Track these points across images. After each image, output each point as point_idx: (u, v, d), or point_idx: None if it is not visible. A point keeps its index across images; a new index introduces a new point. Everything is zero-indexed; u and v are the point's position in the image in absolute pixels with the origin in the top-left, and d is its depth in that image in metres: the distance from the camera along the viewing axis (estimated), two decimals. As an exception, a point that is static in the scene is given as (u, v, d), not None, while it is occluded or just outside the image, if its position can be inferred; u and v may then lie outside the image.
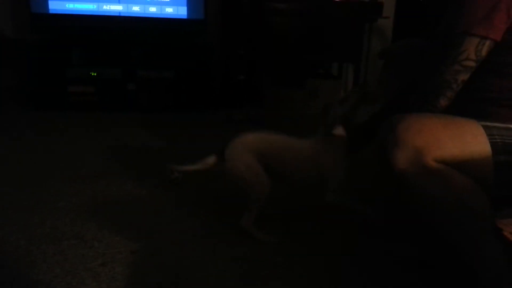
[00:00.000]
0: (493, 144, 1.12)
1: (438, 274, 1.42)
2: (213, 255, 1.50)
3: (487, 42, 1.21)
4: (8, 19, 3.67)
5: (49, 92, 3.44)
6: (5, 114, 3.31)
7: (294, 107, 3.82)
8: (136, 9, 3.51)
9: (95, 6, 3.45)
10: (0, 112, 3.34)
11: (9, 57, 3.61)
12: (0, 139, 2.68)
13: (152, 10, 3.54)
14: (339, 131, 1.57)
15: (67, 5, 3.42)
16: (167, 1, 3.55)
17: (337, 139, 1.60)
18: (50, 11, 3.39)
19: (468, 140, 1.13)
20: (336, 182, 1.63)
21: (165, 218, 1.77)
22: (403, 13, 4.05)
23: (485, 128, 1.14)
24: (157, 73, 3.57)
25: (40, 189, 1.96)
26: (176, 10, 3.58)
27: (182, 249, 1.53)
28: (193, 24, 3.68)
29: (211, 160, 1.63)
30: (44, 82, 3.44)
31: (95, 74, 3.44)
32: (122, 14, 3.49)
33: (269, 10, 3.77)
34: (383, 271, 1.46)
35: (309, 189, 1.81)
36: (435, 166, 1.09)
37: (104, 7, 3.47)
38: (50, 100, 3.44)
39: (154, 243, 1.57)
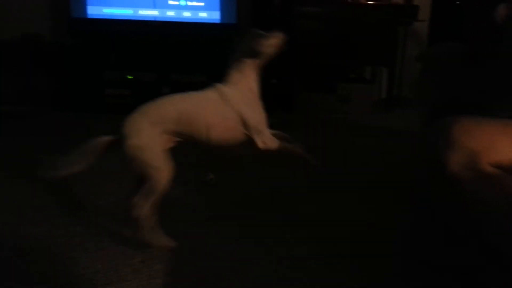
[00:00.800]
0: None
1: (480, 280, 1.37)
2: (250, 255, 1.49)
3: None
4: (47, 23, 3.80)
5: (86, 95, 3.53)
6: (43, 116, 3.42)
7: (325, 111, 3.79)
8: (171, 14, 3.58)
9: (131, 11, 3.54)
10: (38, 114, 3.45)
11: (47, 60, 3.72)
12: (38, 140, 2.77)
13: (186, 15, 3.60)
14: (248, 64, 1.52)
15: (104, 10, 3.52)
16: (201, 6, 3.60)
17: (246, 76, 1.53)
18: (89, 16, 3.50)
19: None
20: (259, 124, 1.51)
21: (201, 217, 1.78)
22: (439, 16, 3.97)
23: None
24: (190, 77, 3.61)
25: (80, 188, 2.00)
26: (209, 14, 3.62)
27: (218, 249, 1.53)
28: (226, 29, 3.70)
29: (102, 141, 1.42)
30: (82, 85, 3.54)
31: (131, 77, 3.51)
32: (157, 19, 3.56)
33: (301, 14, 3.77)
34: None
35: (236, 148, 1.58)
36: (490, 170, 1.05)
37: (140, 12, 3.55)
38: (87, 102, 3.53)
39: (190, 242, 1.57)
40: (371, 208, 1.93)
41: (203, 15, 3.63)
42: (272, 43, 1.56)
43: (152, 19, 3.56)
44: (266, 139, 1.51)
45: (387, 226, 1.76)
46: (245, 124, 1.49)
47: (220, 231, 1.67)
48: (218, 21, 3.65)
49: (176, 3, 3.57)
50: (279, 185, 2.19)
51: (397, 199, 2.05)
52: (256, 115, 1.52)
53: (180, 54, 3.61)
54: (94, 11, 3.50)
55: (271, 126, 3.34)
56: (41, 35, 3.70)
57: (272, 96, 3.88)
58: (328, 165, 2.50)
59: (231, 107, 1.48)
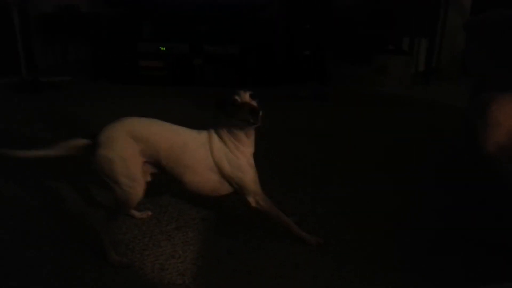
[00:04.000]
0: None
1: None
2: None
3: None
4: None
5: (122, 66, 3.59)
6: (78, 86, 3.50)
7: (361, 84, 3.70)
8: (204, -16, 3.53)
9: (165, -19, 3.52)
10: (74, 84, 3.53)
11: (84, 31, 3.78)
12: (74, 109, 2.84)
13: (220, -16, 3.54)
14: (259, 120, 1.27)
15: (139, -19, 3.51)
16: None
17: (250, 132, 1.33)
18: (124, -14, 3.50)
19: None
20: (253, 183, 1.36)
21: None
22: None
23: None
24: (223, 48, 3.59)
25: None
26: (243, -16, 3.56)
27: (251, 219, 1.55)
28: (260, -2, 3.64)
29: (77, 143, 1.29)
30: (117, 56, 3.59)
31: (164, 48, 3.53)
32: (191, -11, 3.53)
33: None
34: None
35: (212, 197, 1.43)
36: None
37: (174, -18, 3.52)
38: (122, 73, 3.59)
39: (223, 212, 1.60)
40: (402, 183, 1.89)
41: (237, -15, 3.56)
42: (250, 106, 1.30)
43: (186, -11, 3.54)
44: (260, 199, 1.38)
45: (422, 201, 1.73)
46: (230, 182, 1.36)
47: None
48: (251, -9, 3.58)
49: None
50: (308, 160, 2.18)
51: (432, 175, 2.00)
52: (243, 174, 1.35)
53: (213, 25, 3.58)
54: (129, -19, 3.50)
55: (303, 97, 3.31)
56: (77, 6, 3.75)
57: (305, 68, 3.83)
58: (359, 139, 2.47)
59: (213, 155, 1.34)
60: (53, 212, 1.58)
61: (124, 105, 2.98)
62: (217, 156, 1.33)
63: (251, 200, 1.38)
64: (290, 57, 3.85)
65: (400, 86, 3.62)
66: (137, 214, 1.54)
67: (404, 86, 3.64)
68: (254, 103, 1.30)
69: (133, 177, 1.27)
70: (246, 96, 1.31)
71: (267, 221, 1.47)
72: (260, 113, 1.27)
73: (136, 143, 1.28)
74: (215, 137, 1.35)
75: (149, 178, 1.36)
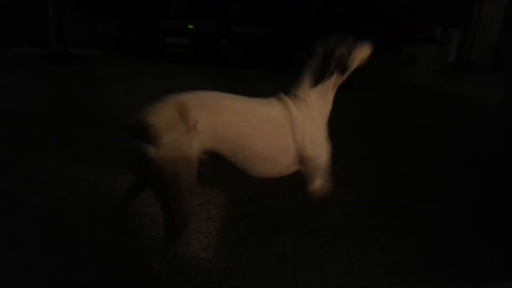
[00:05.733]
0: None
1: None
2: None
3: None
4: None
5: (149, 42, 3.60)
6: (106, 60, 3.53)
7: (389, 73, 3.63)
8: (234, -38, 3.49)
9: (195, -42, 3.49)
10: (102, 58, 3.57)
11: (113, 6, 3.79)
12: (101, 83, 2.88)
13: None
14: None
15: (169, -43, 3.49)
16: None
17: (324, 97, 1.10)
18: (154, -38, 3.49)
19: None
20: (322, 164, 1.10)
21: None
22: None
23: None
24: (251, 29, 3.56)
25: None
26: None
27: (272, 201, 1.55)
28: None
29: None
30: (144, 32, 3.59)
31: (192, 27, 3.52)
32: (221, -33, 3.50)
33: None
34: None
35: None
36: None
37: (204, -41, 3.49)
38: (149, 50, 3.60)
39: (245, 192, 1.61)
40: (424, 174, 1.87)
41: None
42: (363, 55, 1.20)
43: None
44: (322, 184, 1.14)
45: (445, 191, 1.71)
46: (302, 159, 1.09)
47: (274, 184, 1.69)
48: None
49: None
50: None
51: (460, 166, 1.97)
52: (322, 151, 1.11)
53: (242, 5, 3.55)
54: (159, -43, 3.48)
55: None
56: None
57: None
58: (386, 131, 2.44)
59: (295, 134, 1.06)
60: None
61: (149, 82, 3.00)
62: (299, 133, 1.05)
63: (317, 183, 1.13)
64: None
65: (429, 77, 3.54)
66: None
67: (434, 76, 3.56)
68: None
69: (193, 186, 0.95)
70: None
71: (288, 201, 1.48)
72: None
73: (198, 134, 0.93)
74: (292, 107, 1.06)
75: None
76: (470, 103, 3.01)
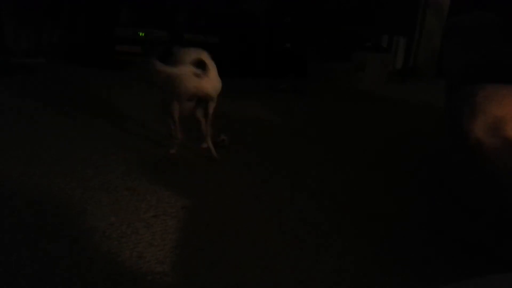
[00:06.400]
0: None
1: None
2: (264, 215, 1.50)
3: None
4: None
5: (98, 50, 3.49)
6: (54, 70, 3.38)
7: (339, 79, 3.73)
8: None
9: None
10: (50, 69, 3.41)
11: (60, 14, 3.65)
12: (44, 93, 2.75)
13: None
14: None
15: (118, -36, 3.41)
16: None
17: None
18: (102, -31, 3.40)
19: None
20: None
21: (213, 177, 1.78)
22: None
23: None
24: (202, 37, 3.55)
25: (92, 143, 2.00)
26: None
27: (231, 208, 1.53)
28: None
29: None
30: (94, 40, 3.48)
31: (142, 34, 3.45)
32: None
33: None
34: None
35: None
36: (516, 138, 1.03)
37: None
38: (98, 58, 3.49)
39: (202, 201, 1.58)
40: (380, 181, 1.92)
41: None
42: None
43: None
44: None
45: (400, 198, 1.76)
46: None
47: (232, 191, 1.67)
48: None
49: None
50: (292, 147, 2.18)
51: (408, 172, 2.04)
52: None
53: (192, 15, 3.54)
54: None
55: (283, 90, 3.31)
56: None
57: (285, 60, 3.82)
58: (337, 135, 2.49)
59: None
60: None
61: (102, 91, 2.90)
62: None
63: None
64: (269, 49, 3.84)
65: (377, 83, 3.67)
66: None
67: (381, 83, 3.70)
68: None
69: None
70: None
71: (245, 210, 1.47)
72: None
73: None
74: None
75: None
76: (415, 108, 3.15)
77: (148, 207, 1.49)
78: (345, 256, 1.31)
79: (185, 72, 1.72)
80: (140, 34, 3.45)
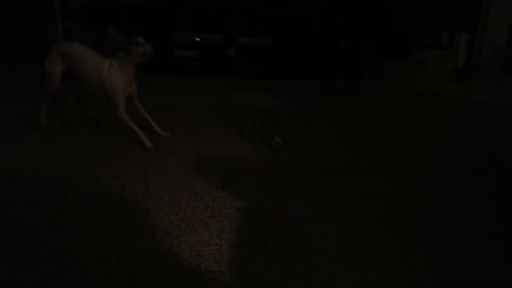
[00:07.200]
0: None
1: None
2: (314, 217, 1.50)
3: None
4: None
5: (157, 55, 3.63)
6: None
7: (395, 78, 3.63)
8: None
9: (201, -28, 3.54)
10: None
11: (121, 20, 3.84)
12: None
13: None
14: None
15: (176, -29, 3.54)
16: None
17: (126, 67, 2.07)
18: (161, -23, 3.54)
19: None
20: (115, 100, 2.06)
21: (267, 178, 1.80)
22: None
23: None
24: (256, 40, 3.59)
25: (156, 145, 2.10)
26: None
27: (283, 211, 1.55)
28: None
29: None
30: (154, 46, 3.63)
31: (198, 39, 3.55)
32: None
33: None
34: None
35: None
36: None
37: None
38: (158, 63, 3.63)
39: (256, 203, 1.61)
40: (439, 183, 1.85)
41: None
42: (146, 50, 2.12)
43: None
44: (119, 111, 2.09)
45: (464, 201, 1.69)
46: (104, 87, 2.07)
47: (285, 193, 1.69)
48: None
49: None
50: (345, 149, 2.16)
51: (472, 173, 1.95)
52: (113, 91, 2.07)
53: (246, 17, 3.59)
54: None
55: (336, 91, 3.28)
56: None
57: (340, 61, 3.78)
58: (392, 136, 2.43)
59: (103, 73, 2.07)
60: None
61: (162, 93, 3.02)
62: (106, 74, 2.07)
63: (117, 111, 2.09)
64: (323, 49, 3.81)
65: (437, 82, 3.53)
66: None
67: (441, 81, 3.55)
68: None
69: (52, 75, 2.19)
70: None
71: (299, 212, 1.47)
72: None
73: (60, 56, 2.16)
74: (109, 63, 2.08)
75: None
76: (481, 108, 2.99)
77: (205, 207, 1.54)
78: (402, 261, 1.28)
79: None
80: (196, 39, 3.55)
